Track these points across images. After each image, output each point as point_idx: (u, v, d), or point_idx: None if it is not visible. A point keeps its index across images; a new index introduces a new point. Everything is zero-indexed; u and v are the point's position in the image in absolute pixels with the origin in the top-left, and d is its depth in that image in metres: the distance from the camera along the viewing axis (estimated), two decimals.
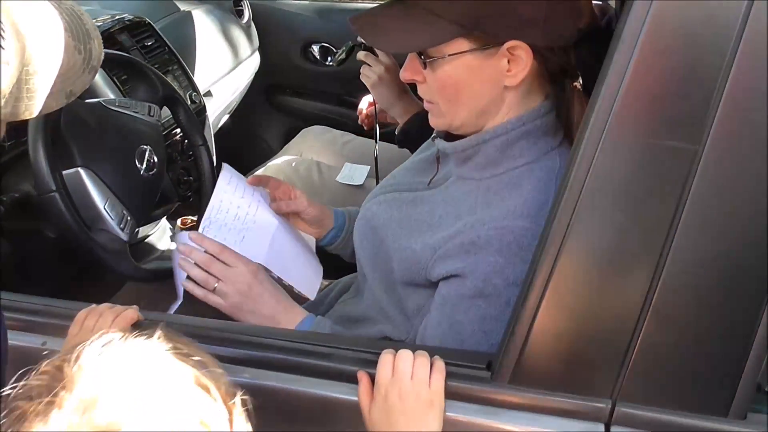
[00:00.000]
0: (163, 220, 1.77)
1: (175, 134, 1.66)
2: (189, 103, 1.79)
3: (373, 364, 0.90)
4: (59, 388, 0.59)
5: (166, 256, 1.76)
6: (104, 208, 1.26)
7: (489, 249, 0.98)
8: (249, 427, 0.66)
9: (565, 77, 1.06)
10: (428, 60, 1.01)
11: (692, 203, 0.78)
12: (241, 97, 2.41)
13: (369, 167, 1.86)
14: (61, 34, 0.66)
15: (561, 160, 1.03)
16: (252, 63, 2.40)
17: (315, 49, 2.44)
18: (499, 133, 1.04)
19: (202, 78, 2.04)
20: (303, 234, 1.33)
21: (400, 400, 0.86)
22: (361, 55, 1.56)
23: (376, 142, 1.60)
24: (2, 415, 0.60)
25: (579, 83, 1.07)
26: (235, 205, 1.22)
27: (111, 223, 1.26)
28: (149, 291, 1.45)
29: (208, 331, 1.00)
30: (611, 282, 0.83)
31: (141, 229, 1.61)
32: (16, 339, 0.91)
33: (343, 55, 1.73)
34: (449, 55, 0.99)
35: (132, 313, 1.00)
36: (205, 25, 2.20)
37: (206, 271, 1.13)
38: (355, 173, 1.89)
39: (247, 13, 2.42)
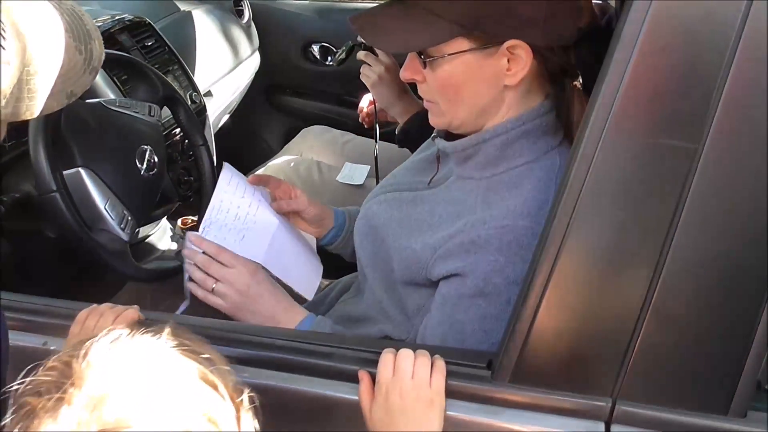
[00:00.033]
0: (164, 220, 1.77)
1: (176, 134, 1.66)
2: (189, 103, 1.79)
3: (374, 363, 0.90)
4: (68, 385, 0.59)
5: (167, 256, 1.76)
6: (105, 208, 1.26)
7: (489, 248, 0.99)
8: (256, 424, 0.66)
9: (565, 76, 1.06)
10: (428, 59, 1.01)
11: (692, 202, 0.78)
12: (242, 97, 2.41)
13: (369, 167, 1.86)
14: (62, 35, 0.66)
15: (561, 159, 1.03)
16: (252, 63, 2.40)
17: (315, 48, 2.44)
18: (499, 132, 1.04)
19: (202, 78, 2.04)
20: (303, 233, 1.33)
21: (401, 400, 0.86)
22: (361, 54, 1.56)
23: (376, 141, 1.60)
24: (10, 411, 0.60)
25: (579, 82, 1.07)
26: (235, 205, 1.22)
27: (111, 223, 1.27)
28: (150, 291, 1.45)
29: (209, 330, 1.00)
30: (611, 281, 0.84)
31: (141, 229, 1.61)
32: (16, 339, 0.91)
33: (343, 55, 1.73)
34: (449, 54, 0.99)
35: (133, 313, 1.00)
36: (205, 25, 2.20)
37: (206, 273, 1.14)
38: (355, 173, 1.89)
39: (247, 13, 2.42)
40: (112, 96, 1.59)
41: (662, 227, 0.79)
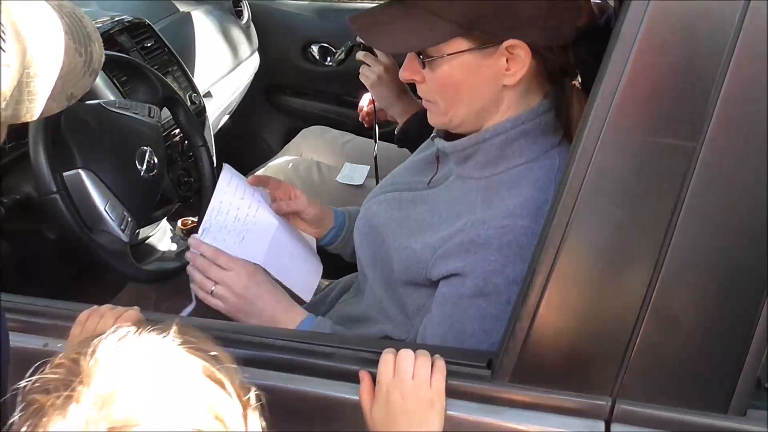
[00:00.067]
0: (164, 221, 1.77)
1: (175, 135, 1.66)
2: (189, 103, 1.79)
3: (375, 363, 0.90)
4: (76, 383, 0.59)
5: (167, 257, 1.76)
6: (105, 210, 1.27)
7: (489, 248, 0.99)
8: (263, 423, 0.67)
9: (564, 76, 1.06)
10: (427, 60, 1.01)
11: (691, 200, 0.78)
12: (241, 98, 2.41)
13: (369, 167, 1.86)
14: (62, 37, 0.66)
15: (560, 158, 1.03)
16: (251, 63, 2.40)
17: (314, 49, 2.44)
18: (499, 132, 1.04)
19: (201, 79, 2.04)
20: (303, 234, 1.34)
21: (401, 400, 0.86)
22: (360, 55, 1.56)
23: (375, 141, 1.61)
24: (19, 408, 0.60)
25: (578, 82, 1.07)
26: (235, 207, 1.22)
27: (112, 224, 1.27)
28: (150, 292, 1.45)
29: (209, 331, 1.00)
30: (611, 280, 0.84)
31: (141, 230, 1.61)
32: (17, 340, 0.91)
33: (343, 55, 1.73)
34: (448, 54, 0.99)
35: (133, 314, 1.00)
36: (204, 26, 2.20)
37: (205, 275, 1.14)
38: (355, 173, 1.90)
39: (246, 14, 2.42)
40: (111, 97, 1.59)
41: (661, 226, 0.80)
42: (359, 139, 2.08)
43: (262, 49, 2.46)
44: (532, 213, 0.98)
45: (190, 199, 1.59)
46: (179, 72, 1.87)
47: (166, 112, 1.56)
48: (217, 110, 2.19)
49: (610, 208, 0.81)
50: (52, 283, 1.48)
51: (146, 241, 1.74)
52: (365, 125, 1.74)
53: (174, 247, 1.82)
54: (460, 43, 0.98)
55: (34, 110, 0.66)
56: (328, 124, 2.24)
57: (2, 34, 0.60)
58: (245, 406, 0.65)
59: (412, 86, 1.10)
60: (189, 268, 1.16)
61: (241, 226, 1.21)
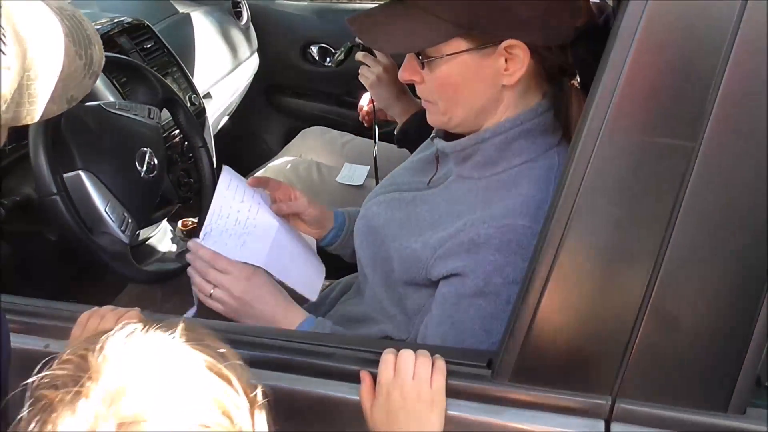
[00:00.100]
0: (164, 222, 1.78)
1: (175, 136, 1.66)
2: (188, 105, 1.79)
3: (375, 363, 0.90)
4: (85, 379, 0.60)
5: (167, 258, 1.76)
6: (105, 211, 1.27)
7: (489, 247, 0.99)
8: (269, 419, 0.67)
9: (563, 76, 1.06)
10: (426, 60, 1.02)
11: (690, 199, 0.79)
12: (241, 99, 2.41)
13: (368, 167, 1.87)
14: (62, 40, 0.67)
15: (560, 158, 1.04)
16: (251, 64, 2.40)
17: (314, 49, 2.44)
18: (498, 132, 1.04)
19: (201, 80, 2.04)
20: (303, 235, 1.34)
21: (401, 400, 0.87)
22: (359, 55, 1.56)
23: (375, 142, 1.61)
24: (27, 404, 0.61)
25: (577, 81, 1.07)
26: (235, 210, 1.22)
27: (112, 225, 1.27)
28: (151, 293, 1.46)
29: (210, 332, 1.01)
30: (610, 279, 0.84)
31: (142, 231, 1.61)
32: (18, 341, 0.91)
33: (342, 56, 1.73)
34: (447, 55, 0.99)
35: (134, 315, 1.00)
36: (203, 27, 2.20)
37: (204, 278, 1.15)
38: (355, 173, 1.90)
39: (245, 15, 2.42)
40: (111, 99, 1.59)
41: (660, 225, 0.80)
42: (359, 139, 2.08)
43: (261, 50, 2.46)
44: (532, 212, 0.99)
45: (190, 200, 1.59)
46: (179, 73, 1.88)
47: (165, 114, 1.57)
48: (217, 111, 2.19)
49: (609, 207, 0.82)
50: (52, 283, 1.48)
51: (146, 242, 1.74)
52: (365, 125, 1.74)
53: (174, 248, 1.82)
54: (459, 44, 0.99)
55: (34, 113, 0.66)
56: (327, 125, 2.24)
57: (3, 37, 0.60)
58: (252, 403, 0.65)
59: (412, 86, 1.11)
60: (189, 270, 1.16)
61: (242, 229, 1.21)
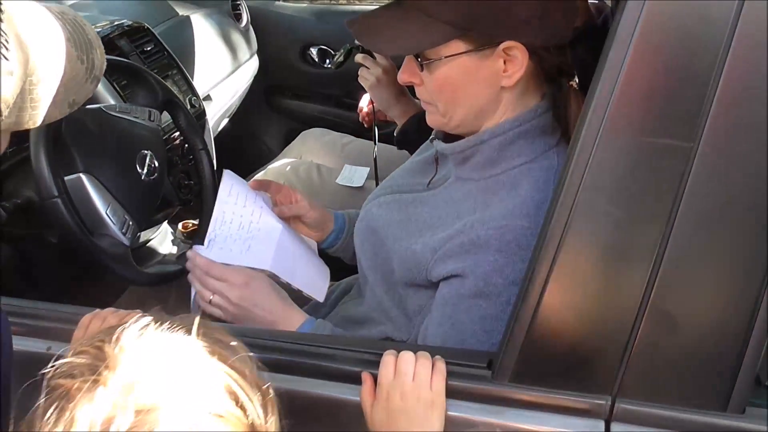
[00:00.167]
0: (165, 224, 1.78)
1: (175, 138, 1.66)
2: (189, 107, 1.79)
3: (376, 365, 0.91)
4: (103, 368, 0.61)
5: (168, 260, 1.76)
6: (106, 213, 1.27)
7: (489, 248, 0.99)
8: (279, 412, 0.68)
9: (561, 76, 1.06)
10: (425, 62, 1.02)
11: (688, 199, 0.79)
12: (241, 101, 2.42)
13: (368, 169, 1.87)
14: (64, 44, 0.67)
15: (559, 158, 1.04)
16: (251, 66, 2.40)
17: (313, 51, 2.44)
18: (497, 133, 1.04)
19: (201, 82, 2.05)
20: (304, 237, 1.34)
21: (401, 401, 0.87)
22: (359, 57, 1.57)
23: (375, 143, 1.61)
24: (44, 393, 0.62)
25: (575, 82, 1.08)
26: (238, 215, 1.22)
27: (113, 227, 1.27)
28: (151, 295, 1.46)
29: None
30: (610, 279, 0.84)
31: (142, 233, 1.61)
32: (20, 344, 0.92)
33: (342, 58, 1.74)
34: (446, 56, 1.00)
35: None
36: (203, 30, 2.20)
37: (203, 286, 1.15)
38: (355, 175, 1.90)
39: (245, 17, 2.42)
40: (112, 101, 1.59)
41: (659, 225, 0.80)
42: (359, 140, 2.09)
43: (261, 52, 2.47)
44: (532, 213, 0.99)
45: (190, 202, 1.59)
46: (179, 75, 1.88)
47: (166, 116, 1.57)
48: (217, 113, 2.19)
49: (608, 207, 0.82)
50: (52, 285, 1.49)
51: (147, 244, 1.75)
52: (365, 126, 1.75)
53: (175, 250, 1.83)
54: (458, 46, 0.99)
55: (36, 117, 0.66)
56: (327, 126, 2.24)
57: (5, 43, 0.61)
58: (264, 394, 0.66)
59: (411, 88, 1.11)
60: (189, 277, 1.17)
61: (245, 233, 1.21)
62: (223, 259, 1.18)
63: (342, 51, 1.72)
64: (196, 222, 1.79)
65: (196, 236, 1.44)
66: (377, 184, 1.35)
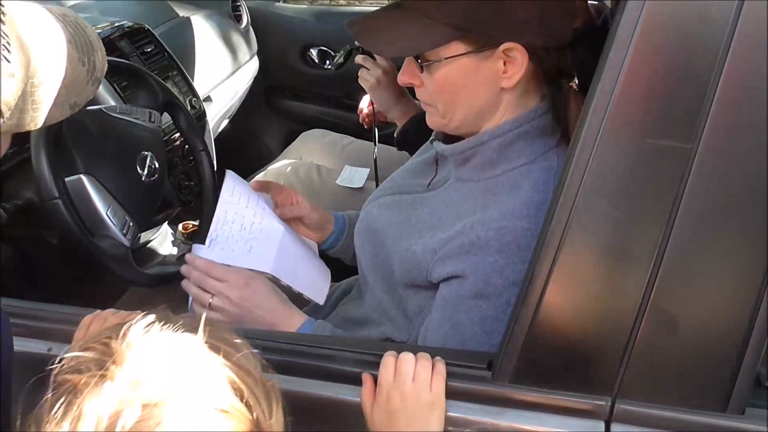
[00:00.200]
0: (165, 225, 1.78)
1: (176, 139, 1.66)
2: (189, 108, 1.80)
3: (376, 365, 0.91)
4: (110, 363, 0.61)
5: (168, 261, 1.76)
6: (106, 214, 1.27)
7: (489, 249, 0.99)
8: (284, 409, 0.69)
9: (561, 77, 1.07)
10: (425, 63, 1.02)
11: (688, 200, 0.79)
12: (241, 102, 2.42)
13: (368, 170, 1.87)
14: (65, 46, 0.67)
15: (559, 159, 1.04)
16: (251, 67, 2.41)
17: (313, 52, 2.44)
18: (497, 134, 1.04)
19: (201, 83, 2.05)
20: (305, 239, 1.34)
21: (401, 402, 0.87)
22: (359, 58, 1.57)
23: (375, 144, 1.61)
24: (51, 388, 0.62)
25: (575, 83, 1.08)
26: (240, 215, 1.22)
27: (113, 228, 1.27)
28: (152, 296, 1.46)
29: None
30: (610, 280, 0.84)
31: (143, 234, 1.61)
32: (21, 345, 0.92)
33: (342, 59, 1.74)
34: (446, 58, 1.00)
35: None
36: (203, 31, 2.21)
37: (202, 288, 1.15)
38: (355, 176, 1.90)
39: (245, 18, 2.43)
40: (112, 102, 1.59)
41: (659, 225, 0.80)
42: (359, 141, 2.09)
43: (261, 53, 2.47)
44: (532, 214, 0.99)
45: (190, 203, 1.59)
46: (179, 77, 1.88)
47: (166, 117, 1.57)
48: (217, 114, 2.19)
49: (608, 208, 0.82)
50: (53, 285, 1.49)
51: (147, 245, 1.75)
52: (365, 127, 1.75)
53: (175, 251, 1.83)
54: (458, 47, 0.99)
55: (38, 119, 0.66)
56: (327, 127, 2.24)
57: (6, 45, 0.61)
58: (269, 391, 0.67)
59: (411, 89, 1.11)
60: (184, 283, 1.17)
61: (247, 234, 1.21)
62: (224, 259, 1.18)
63: (342, 52, 1.73)
64: (196, 223, 1.79)
65: (196, 237, 1.44)
66: (377, 185, 1.35)
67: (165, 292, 1.41)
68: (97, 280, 1.55)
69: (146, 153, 1.39)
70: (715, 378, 0.83)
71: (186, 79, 1.90)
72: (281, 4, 2.61)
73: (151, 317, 0.67)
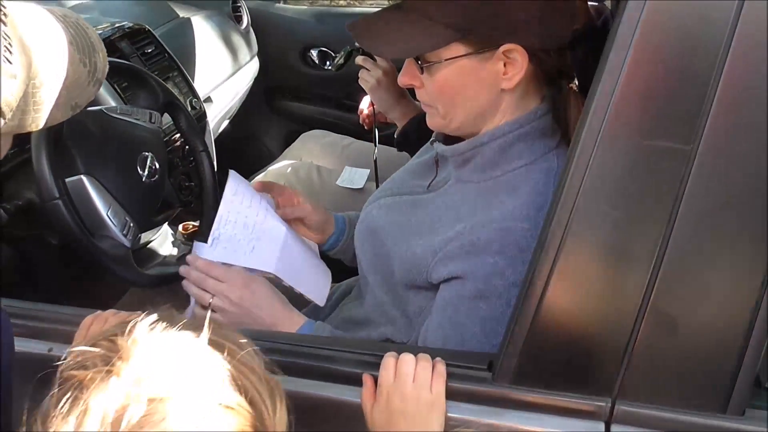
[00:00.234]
0: (165, 225, 1.78)
1: (176, 140, 1.66)
2: (189, 109, 1.80)
3: (376, 366, 0.91)
4: (116, 359, 0.62)
5: (169, 261, 1.77)
6: (107, 215, 1.27)
7: (489, 250, 0.99)
8: (287, 407, 0.69)
9: (561, 78, 1.07)
10: (425, 65, 1.02)
11: (688, 201, 0.79)
12: (241, 102, 2.42)
13: (369, 170, 1.87)
14: (67, 47, 0.67)
15: (559, 161, 1.04)
16: (251, 68, 2.41)
17: (314, 53, 2.45)
18: (497, 135, 1.04)
19: (202, 84, 2.05)
20: (306, 240, 1.34)
21: (401, 403, 0.87)
22: (359, 59, 1.57)
23: (375, 145, 1.61)
24: (57, 384, 0.63)
25: (575, 84, 1.08)
26: (243, 215, 1.22)
27: (114, 229, 1.27)
28: (152, 296, 1.46)
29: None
30: (610, 281, 0.84)
31: (143, 235, 1.61)
32: (22, 345, 0.92)
33: (342, 60, 1.74)
34: (446, 59, 1.00)
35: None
36: (204, 31, 2.21)
37: (202, 289, 1.15)
38: (355, 177, 1.90)
39: (245, 19, 2.43)
40: (113, 103, 1.60)
41: (659, 226, 0.80)
42: (359, 142, 2.09)
43: (261, 54, 2.47)
44: (532, 215, 0.99)
45: (191, 203, 1.59)
46: (180, 77, 1.88)
47: (167, 118, 1.57)
48: (218, 115, 2.19)
49: (608, 209, 0.82)
50: (53, 285, 1.49)
51: (148, 246, 1.75)
52: (365, 128, 1.75)
53: (175, 251, 1.83)
54: (458, 48, 0.99)
55: (39, 120, 0.66)
56: (327, 128, 2.24)
57: (8, 46, 0.61)
58: (273, 389, 0.67)
59: (411, 90, 1.11)
60: (184, 283, 1.17)
61: (250, 234, 1.21)
62: (226, 258, 1.18)
63: (342, 53, 1.73)
64: (196, 223, 1.79)
65: (197, 237, 1.44)
66: (377, 186, 1.35)
67: (165, 292, 1.41)
68: (98, 280, 1.55)
69: (147, 154, 1.39)
70: (715, 379, 0.83)
71: (186, 79, 1.90)
72: (281, 4, 2.61)
73: (156, 315, 0.67)
